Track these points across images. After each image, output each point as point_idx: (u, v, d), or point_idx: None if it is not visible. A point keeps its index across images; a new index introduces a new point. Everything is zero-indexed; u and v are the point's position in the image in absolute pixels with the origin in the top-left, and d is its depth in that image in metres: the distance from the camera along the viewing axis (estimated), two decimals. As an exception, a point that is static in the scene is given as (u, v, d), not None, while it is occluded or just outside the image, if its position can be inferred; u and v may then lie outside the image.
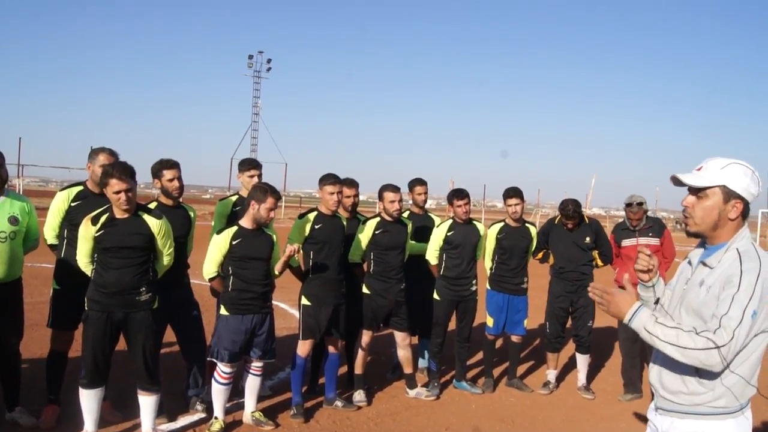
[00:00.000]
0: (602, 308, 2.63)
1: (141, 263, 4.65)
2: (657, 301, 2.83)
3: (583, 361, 6.88)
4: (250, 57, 62.70)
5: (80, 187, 5.21)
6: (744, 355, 2.48)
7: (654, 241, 6.61)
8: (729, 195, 2.56)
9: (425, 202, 7.02)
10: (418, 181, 6.90)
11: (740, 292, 2.42)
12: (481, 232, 6.66)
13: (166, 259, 4.89)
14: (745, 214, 2.60)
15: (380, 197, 6.21)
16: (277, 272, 5.36)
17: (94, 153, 5.18)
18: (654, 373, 2.72)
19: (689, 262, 2.76)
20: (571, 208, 6.65)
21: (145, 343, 4.69)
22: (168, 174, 5.35)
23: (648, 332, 2.48)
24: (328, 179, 5.74)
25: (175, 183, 5.36)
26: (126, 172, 4.51)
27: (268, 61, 63.06)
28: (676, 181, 2.65)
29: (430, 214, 7.12)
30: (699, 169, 2.62)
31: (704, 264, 2.61)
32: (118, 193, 4.48)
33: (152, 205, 5.19)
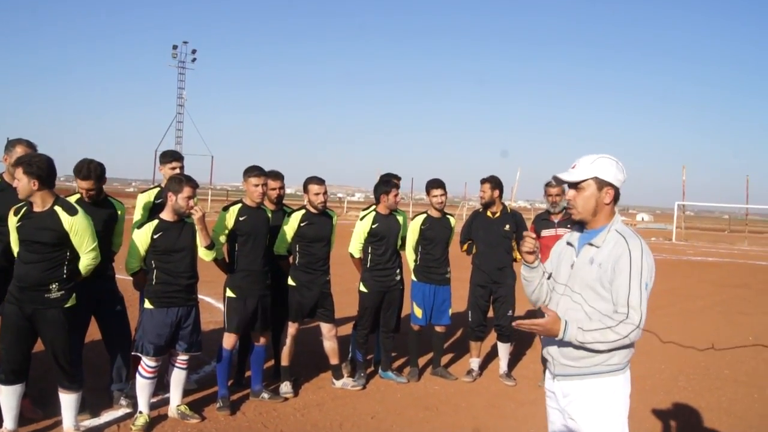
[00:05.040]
0: (536, 333, 3.02)
1: (52, 259, 4.52)
2: (550, 276, 3.26)
3: (504, 349, 7.07)
4: (174, 47, 61.16)
5: (-4, 179, 5.07)
6: None
7: (571, 232, 6.81)
8: (602, 184, 3.02)
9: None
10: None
11: (633, 271, 2.89)
12: (401, 222, 6.79)
13: (88, 258, 4.71)
14: (616, 198, 3.07)
15: (305, 189, 6.26)
16: (203, 246, 5.28)
17: (10, 144, 5.05)
18: (552, 346, 3.10)
19: (569, 244, 3.19)
20: (487, 177, 6.95)
21: (54, 341, 4.58)
22: (79, 179, 5.17)
23: (580, 341, 2.91)
24: (253, 171, 5.76)
25: (82, 185, 5.16)
26: (25, 162, 4.42)
27: (193, 51, 61.52)
28: (558, 181, 3.11)
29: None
30: (573, 167, 3.08)
31: (591, 244, 3.05)
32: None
33: (73, 198, 5.08)
